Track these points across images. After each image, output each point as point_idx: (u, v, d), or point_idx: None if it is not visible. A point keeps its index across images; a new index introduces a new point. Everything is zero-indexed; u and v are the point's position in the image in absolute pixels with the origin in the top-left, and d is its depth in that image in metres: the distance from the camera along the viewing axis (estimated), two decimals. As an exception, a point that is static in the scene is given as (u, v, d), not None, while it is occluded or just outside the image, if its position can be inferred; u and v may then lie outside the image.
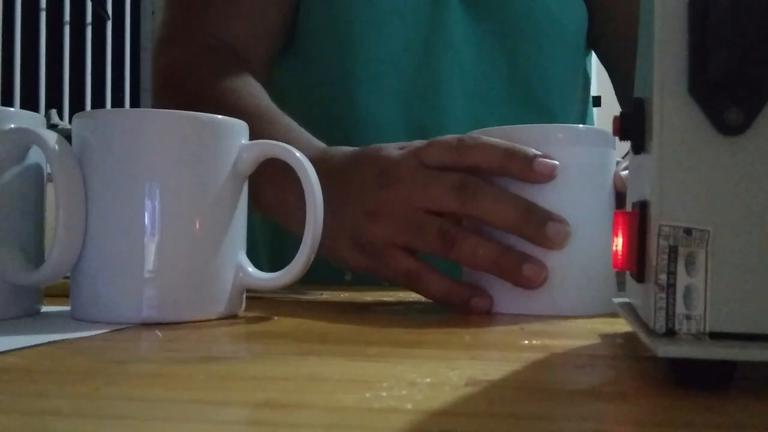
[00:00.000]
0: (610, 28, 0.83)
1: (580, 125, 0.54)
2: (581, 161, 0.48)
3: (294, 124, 0.63)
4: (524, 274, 0.46)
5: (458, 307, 0.49)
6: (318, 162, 0.55)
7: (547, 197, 0.47)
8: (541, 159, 0.46)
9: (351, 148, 0.57)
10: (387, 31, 0.77)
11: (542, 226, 0.46)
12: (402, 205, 0.50)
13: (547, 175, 0.46)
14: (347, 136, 0.72)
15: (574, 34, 0.82)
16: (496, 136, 0.49)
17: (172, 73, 0.74)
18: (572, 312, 0.47)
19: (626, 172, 0.48)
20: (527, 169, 0.46)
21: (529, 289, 0.47)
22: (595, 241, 0.47)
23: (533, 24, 0.79)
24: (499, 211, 0.46)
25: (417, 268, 0.50)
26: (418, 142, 0.52)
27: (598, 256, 0.47)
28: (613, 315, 0.46)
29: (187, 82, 0.71)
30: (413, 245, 0.50)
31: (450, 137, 0.50)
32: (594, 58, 0.90)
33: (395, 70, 0.77)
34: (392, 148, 0.53)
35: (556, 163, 0.46)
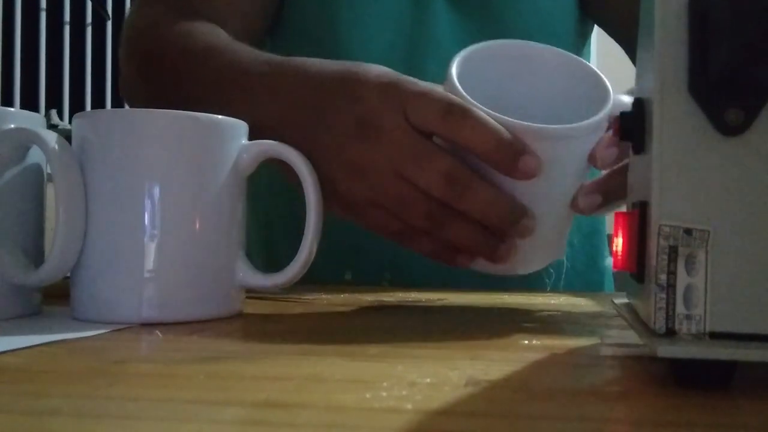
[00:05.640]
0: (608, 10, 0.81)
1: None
2: (565, 153, 0.47)
3: (247, 48, 0.59)
4: (498, 254, 0.49)
5: (445, 262, 0.51)
6: (280, 71, 0.53)
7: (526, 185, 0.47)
8: (527, 157, 0.45)
9: (323, 66, 0.54)
10: (371, 32, 0.76)
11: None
12: (386, 168, 0.48)
13: (529, 175, 0.46)
14: None
15: (563, 28, 0.81)
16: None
17: (137, 31, 0.71)
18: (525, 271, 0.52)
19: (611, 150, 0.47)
20: (511, 165, 0.46)
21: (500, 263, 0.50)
22: (561, 221, 0.50)
23: (520, 19, 0.78)
24: (487, 208, 0.47)
25: (404, 228, 0.50)
26: (405, 86, 0.48)
27: (562, 230, 0.51)
28: (613, 315, 0.46)
29: (149, 35, 0.68)
30: (398, 214, 0.49)
31: (438, 97, 0.47)
32: (593, 48, 0.89)
33: None
34: (372, 86, 0.50)
35: (541, 162, 0.45)
